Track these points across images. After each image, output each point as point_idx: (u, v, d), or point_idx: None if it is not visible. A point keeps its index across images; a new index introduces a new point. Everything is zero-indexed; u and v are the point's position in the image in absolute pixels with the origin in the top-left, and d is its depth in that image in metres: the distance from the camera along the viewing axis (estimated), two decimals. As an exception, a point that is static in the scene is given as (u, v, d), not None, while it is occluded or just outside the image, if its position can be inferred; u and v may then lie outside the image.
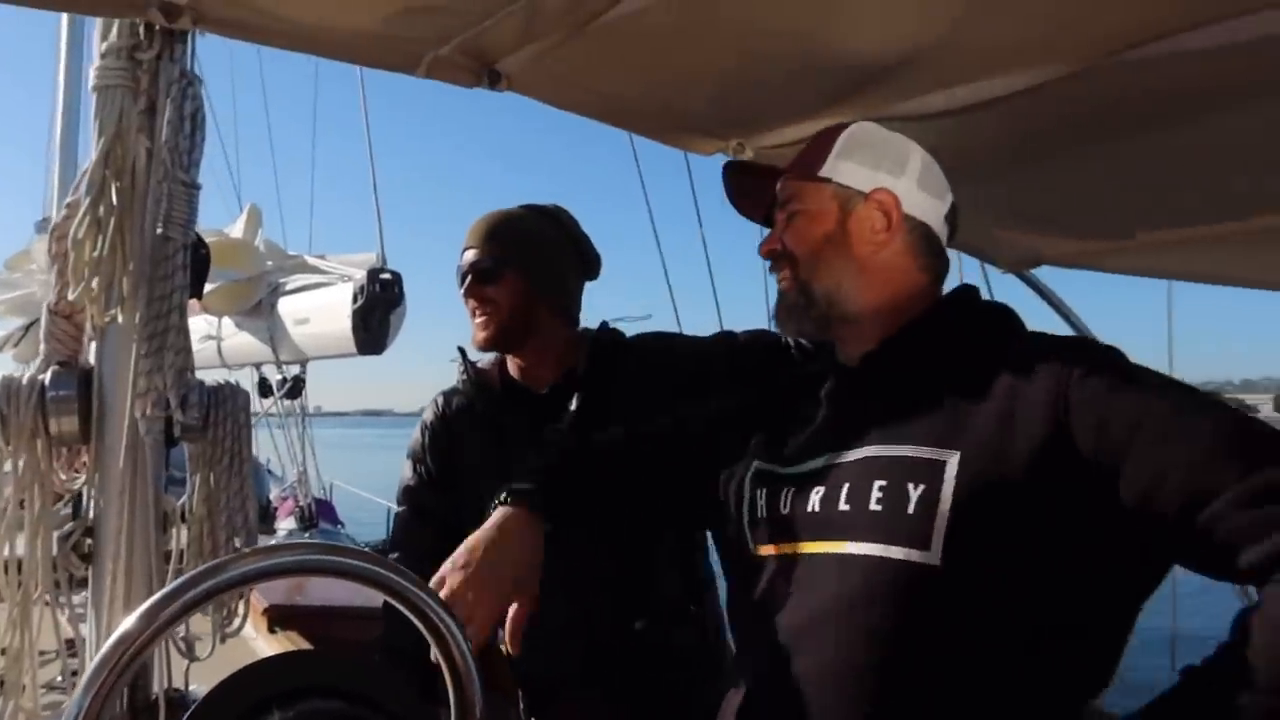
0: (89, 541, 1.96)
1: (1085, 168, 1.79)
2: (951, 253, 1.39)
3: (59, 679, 1.92)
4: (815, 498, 1.20)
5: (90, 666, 0.72)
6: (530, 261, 1.96)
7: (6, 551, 1.85)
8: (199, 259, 2.05)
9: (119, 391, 1.90)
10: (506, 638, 1.46)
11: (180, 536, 2.04)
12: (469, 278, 1.95)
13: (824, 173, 1.32)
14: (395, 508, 2.20)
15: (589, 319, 2.13)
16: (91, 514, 1.94)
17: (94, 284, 1.82)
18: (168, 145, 1.85)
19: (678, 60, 1.55)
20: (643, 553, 1.94)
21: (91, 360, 1.99)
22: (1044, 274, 2.42)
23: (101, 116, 1.85)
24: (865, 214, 1.30)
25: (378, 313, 3.92)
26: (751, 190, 1.46)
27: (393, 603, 0.83)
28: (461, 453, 2.06)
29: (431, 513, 2.09)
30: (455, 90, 1.67)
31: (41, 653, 1.89)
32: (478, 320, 1.96)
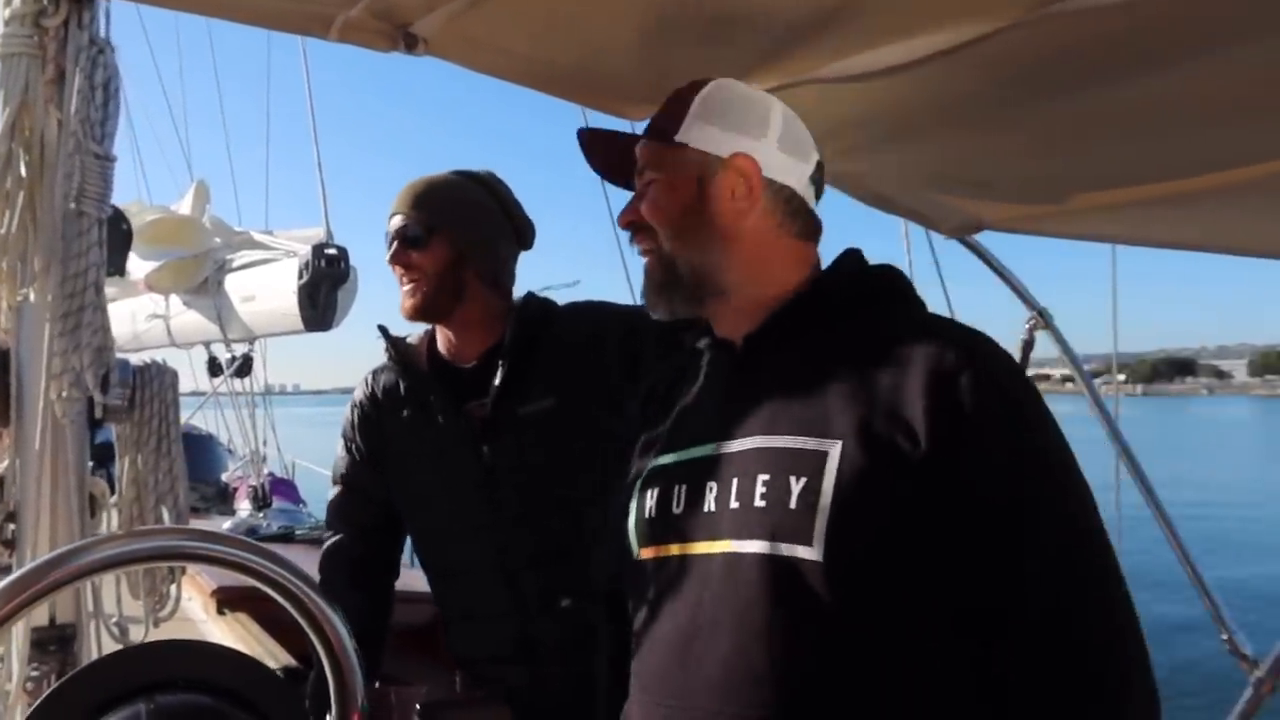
0: (11, 527, 1.91)
1: (1019, 128, 1.76)
2: (895, 219, 1.35)
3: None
4: (708, 495, 1.15)
5: None
6: (458, 226, 1.91)
7: (-74, 539, 1.80)
8: (119, 233, 1.99)
9: (35, 372, 1.84)
10: None
11: (109, 522, 1.99)
12: (395, 244, 1.90)
13: (680, 137, 1.25)
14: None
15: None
16: (14, 500, 1.90)
17: (3, 262, 1.76)
18: (78, 116, 1.78)
19: (595, 20, 1.50)
20: (572, 531, 1.91)
21: (8, 341, 1.93)
22: (993, 240, 2.39)
23: (6, 86, 1.77)
24: (725, 181, 1.23)
25: (324, 289, 3.84)
26: (609, 152, 1.38)
27: (265, 589, 0.80)
28: (390, 431, 2.02)
29: (363, 491, 2.06)
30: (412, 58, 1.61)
31: None
32: (405, 288, 1.91)
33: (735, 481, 1.11)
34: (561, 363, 1.93)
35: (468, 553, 1.97)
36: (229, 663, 0.79)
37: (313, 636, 0.80)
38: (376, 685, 2.11)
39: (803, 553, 1.03)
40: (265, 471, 5.84)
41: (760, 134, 1.24)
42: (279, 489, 5.83)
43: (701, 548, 1.13)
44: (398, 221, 1.90)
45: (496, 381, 1.89)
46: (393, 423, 2.01)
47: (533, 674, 1.90)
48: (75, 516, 1.88)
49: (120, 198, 1.96)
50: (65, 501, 1.86)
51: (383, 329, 2.06)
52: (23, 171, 1.77)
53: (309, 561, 2.14)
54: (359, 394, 2.06)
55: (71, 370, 1.78)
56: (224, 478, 6.15)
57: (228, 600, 3.25)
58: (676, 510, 1.18)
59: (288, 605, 0.79)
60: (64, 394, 1.76)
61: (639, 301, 2.30)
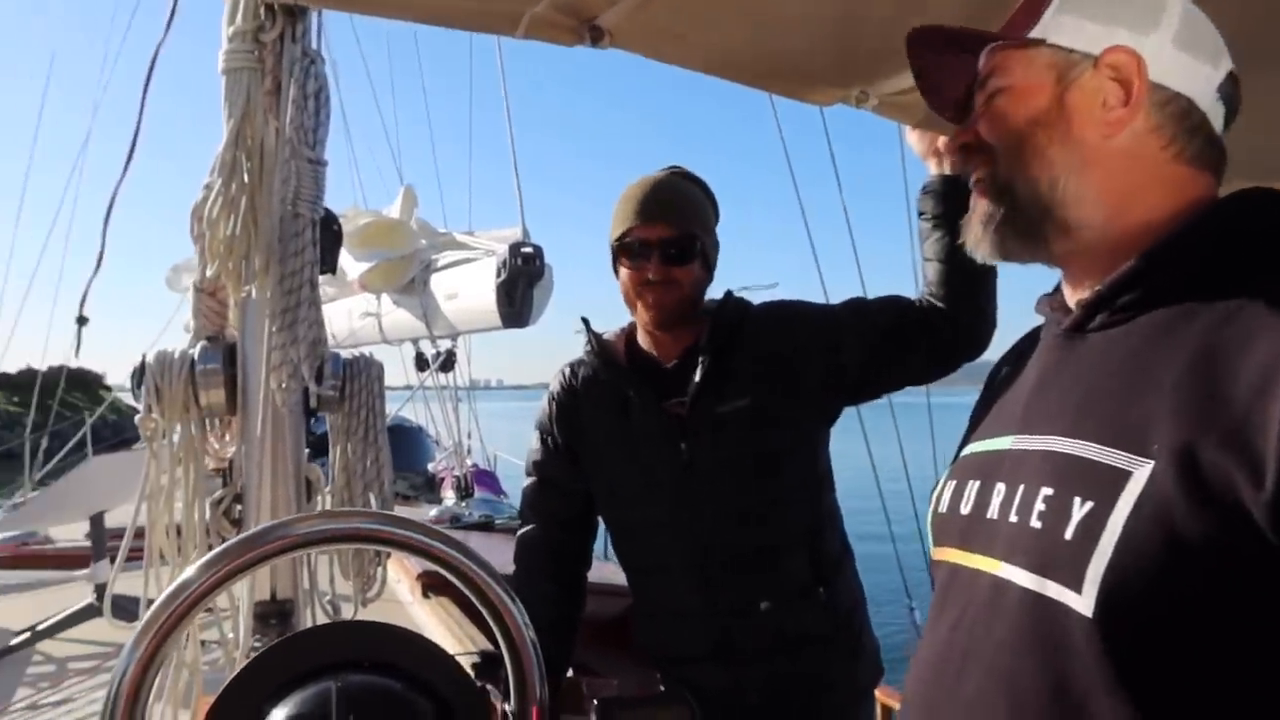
0: (239, 507, 2.07)
1: None
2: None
3: (228, 635, 2.02)
4: (994, 499, 0.93)
5: (147, 615, 0.72)
6: (706, 235, 1.94)
7: (167, 517, 1.97)
8: (330, 234, 2.10)
9: (257, 364, 1.98)
10: None
11: (323, 506, 2.12)
12: (655, 254, 1.89)
13: (1036, 33, 0.97)
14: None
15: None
16: (240, 482, 2.05)
17: (229, 261, 1.90)
18: (293, 124, 1.89)
19: (787, 3, 1.43)
20: (770, 532, 1.86)
21: (235, 335, 2.09)
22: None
23: (230, 99, 1.92)
24: (1092, 84, 0.93)
25: (520, 286, 3.95)
26: (941, 73, 1.09)
27: (448, 576, 0.79)
28: (587, 424, 2.04)
29: (557, 482, 2.08)
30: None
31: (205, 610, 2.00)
32: (653, 298, 1.91)
33: (1021, 489, 0.90)
34: (759, 362, 1.89)
35: (663, 550, 1.96)
36: (419, 649, 0.79)
37: (494, 625, 0.79)
38: (569, 674, 2.14)
39: (1071, 599, 0.79)
40: (469, 463, 6.11)
41: (1149, 26, 0.93)
42: (481, 479, 6.09)
43: (975, 560, 0.95)
44: (661, 232, 1.89)
45: (696, 379, 1.87)
46: (590, 416, 2.03)
47: (727, 675, 1.87)
48: (292, 499, 2.01)
49: (338, 204, 2.10)
50: (284, 485, 1.99)
51: (585, 322, 2.08)
52: (245, 177, 1.91)
53: (508, 550, 2.20)
54: (556, 386, 2.09)
55: (290, 362, 1.90)
56: (430, 468, 6.50)
57: (432, 584, 3.40)
58: (964, 510, 0.99)
59: (469, 592, 0.79)
60: (283, 385, 1.88)
61: (830, 299, 2.24)
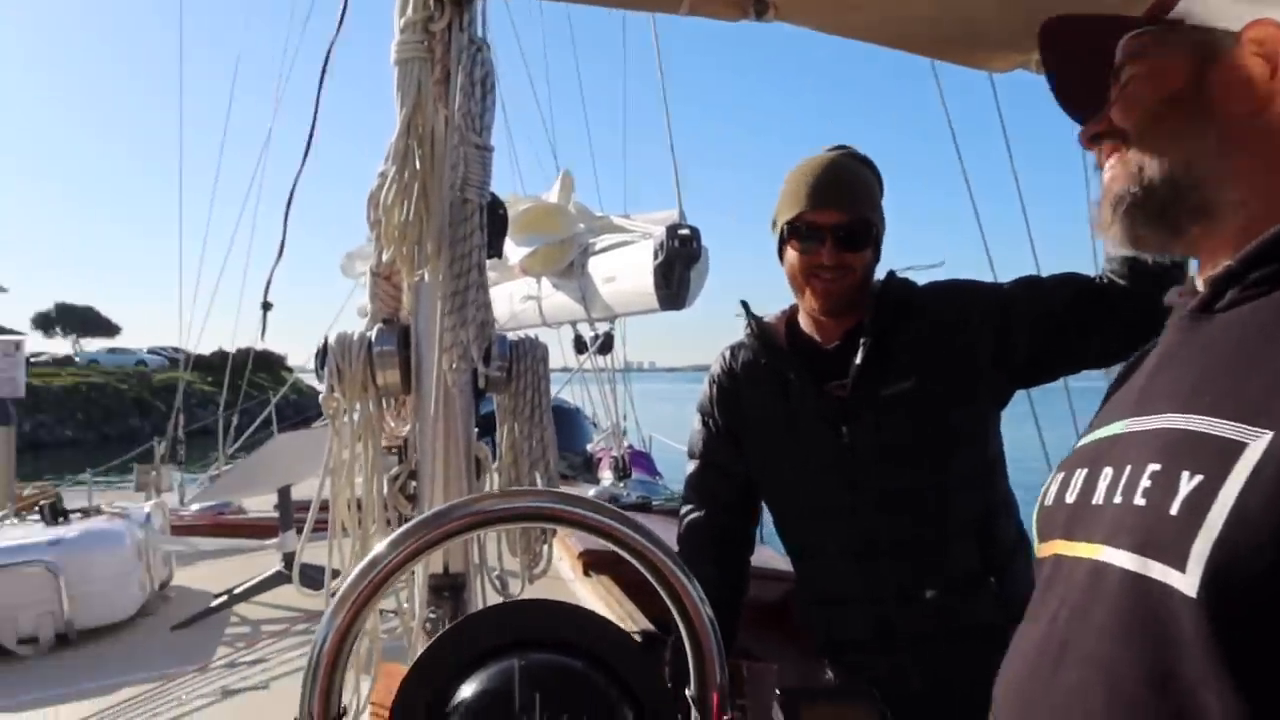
0: (414, 484, 2.15)
1: None
2: None
3: (405, 604, 2.11)
4: (1100, 484, 0.88)
5: (342, 588, 0.74)
6: (879, 219, 1.88)
7: (349, 492, 2.07)
8: (497, 218, 2.15)
9: (430, 345, 2.05)
10: None
11: (492, 484, 2.18)
12: (828, 240, 1.85)
13: (1175, 13, 0.93)
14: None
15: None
16: (415, 459, 2.13)
17: (403, 246, 1.97)
18: (461, 111, 1.94)
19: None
20: (936, 518, 1.78)
21: (408, 317, 2.16)
22: None
23: (402, 88, 1.98)
24: (1234, 61, 0.89)
25: (677, 268, 3.95)
26: (1077, 73, 1.04)
27: (626, 556, 0.78)
28: (748, 407, 2.01)
29: (720, 466, 2.06)
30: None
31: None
32: (821, 284, 1.87)
33: (1128, 470, 0.84)
34: (924, 344, 1.81)
35: (825, 535, 1.92)
36: (599, 629, 0.79)
37: (673, 609, 0.78)
38: (728, 659, 2.13)
39: (1175, 580, 0.73)
40: (625, 444, 6.18)
41: None
42: (637, 461, 6.15)
43: (1076, 548, 0.90)
44: (835, 218, 1.85)
45: (857, 361, 1.81)
46: (751, 399, 2.00)
47: (888, 662, 1.81)
48: (463, 477, 2.07)
49: (498, 190, 2.13)
50: (456, 463, 2.05)
51: (745, 305, 2.05)
52: (417, 164, 1.97)
53: (664, 532, 2.20)
54: (716, 369, 2.07)
55: (460, 344, 1.95)
56: (589, 448, 6.61)
57: (594, 563, 3.46)
58: (1069, 499, 0.94)
59: (649, 575, 0.78)
60: (453, 365, 1.94)
61: (999, 279, 2.13)
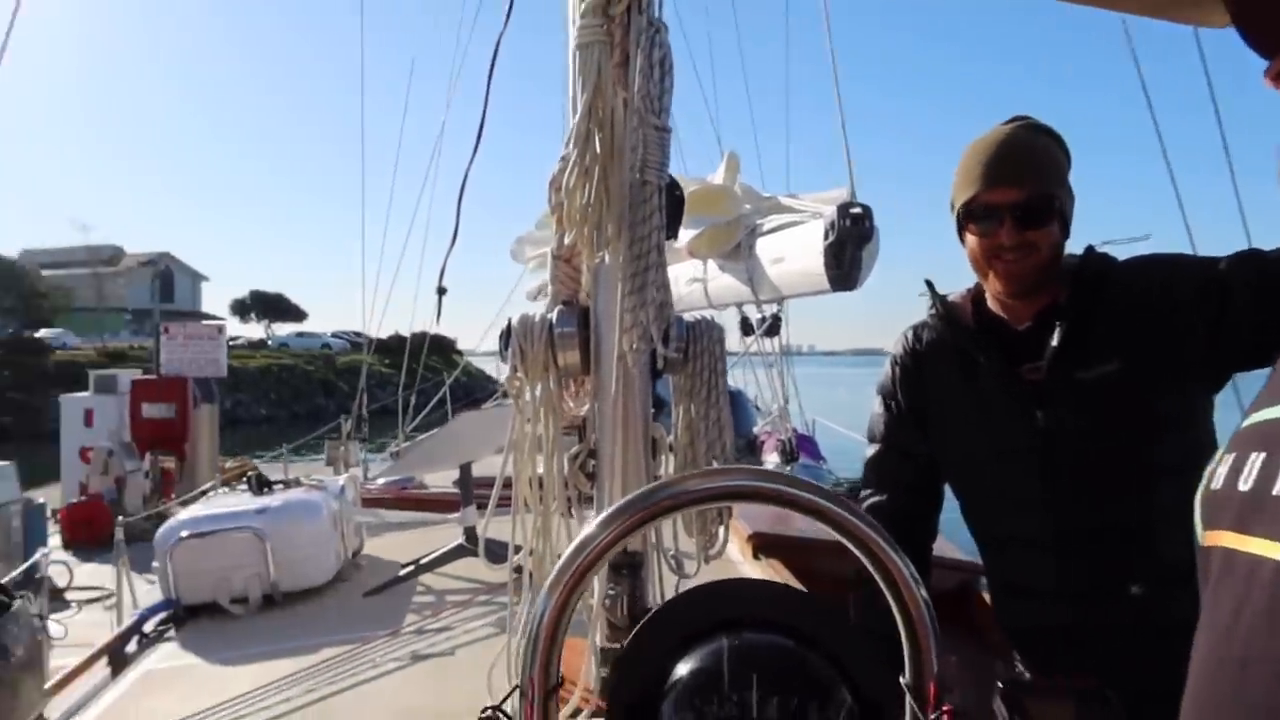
0: (593, 463, 2.19)
1: None
2: None
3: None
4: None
5: (556, 567, 0.76)
6: (1065, 195, 1.77)
7: (530, 471, 2.13)
8: (674, 200, 2.15)
9: (609, 327, 2.08)
10: None
11: (668, 464, 2.20)
12: (1006, 219, 1.77)
13: None
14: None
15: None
16: (594, 438, 2.17)
17: (585, 229, 2.01)
18: (640, 93, 1.95)
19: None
20: (1139, 509, 1.66)
21: (588, 299, 2.20)
22: None
23: (583, 73, 2.01)
24: None
25: (849, 248, 3.84)
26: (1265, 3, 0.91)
27: (837, 536, 0.76)
28: (933, 389, 1.93)
29: (903, 449, 1.99)
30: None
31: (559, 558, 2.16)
32: (1004, 266, 1.78)
33: None
34: (1127, 324, 1.69)
35: (1018, 524, 1.82)
36: (811, 609, 0.77)
37: (888, 594, 0.75)
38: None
39: None
40: (790, 427, 6.12)
41: None
42: (803, 445, 6.07)
43: (1252, 544, 0.80)
44: (1015, 195, 1.76)
45: (1054, 343, 1.70)
46: (936, 381, 1.92)
47: (1085, 660, 1.71)
48: (641, 456, 2.10)
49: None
50: (634, 442, 2.08)
51: (930, 284, 1.97)
52: (597, 148, 2.00)
53: None
54: (899, 349, 2.01)
55: (640, 325, 1.97)
56: (754, 431, 6.57)
57: (763, 545, 3.43)
58: (1242, 486, 0.85)
59: (863, 556, 0.75)
60: (633, 346, 1.96)
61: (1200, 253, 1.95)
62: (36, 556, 5.46)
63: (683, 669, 0.72)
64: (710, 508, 1.94)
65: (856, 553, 0.77)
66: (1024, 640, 1.87)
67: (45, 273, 40.34)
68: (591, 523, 0.78)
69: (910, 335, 2.01)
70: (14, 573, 4.83)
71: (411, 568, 3.39)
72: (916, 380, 1.97)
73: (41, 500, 8.46)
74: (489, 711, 0.72)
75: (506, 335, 2.17)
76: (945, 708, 0.74)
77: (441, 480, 5.56)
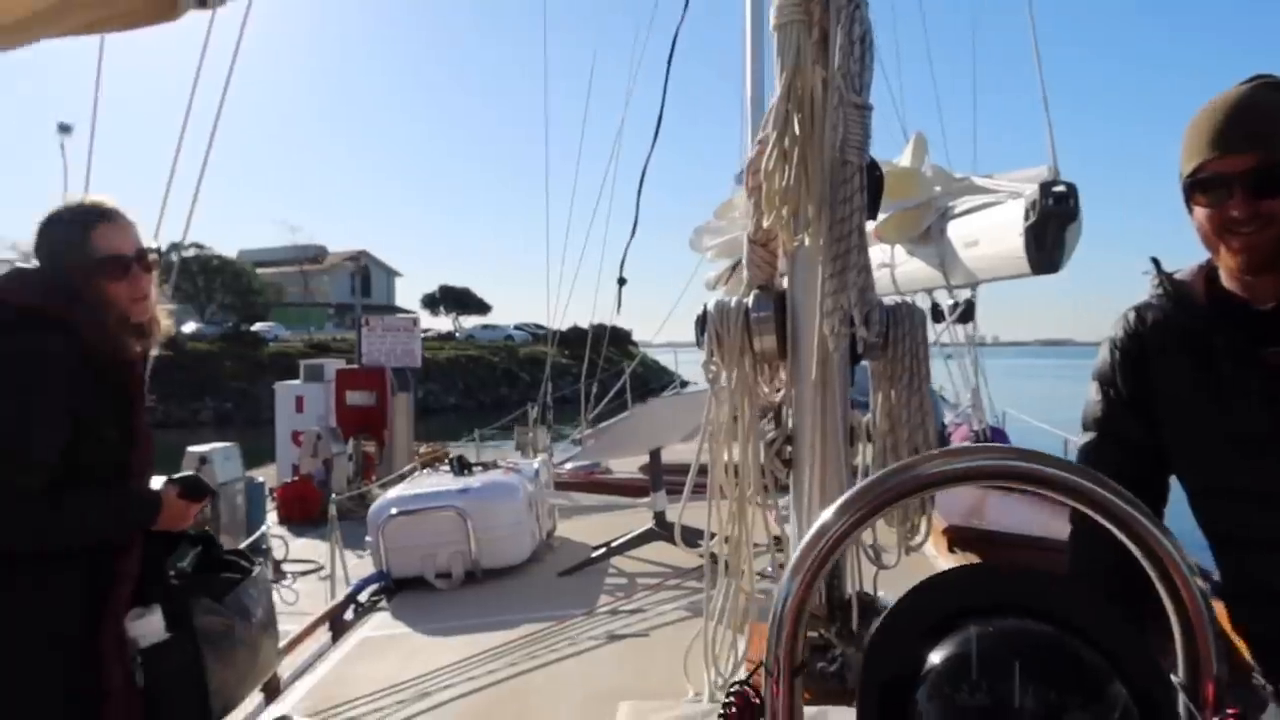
0: (789, 449, 2.17)
1: None
2: None
3: (768, 569, 2.15)
4: None
5: (795, 554, 0.75)
6: None
7: (726, 456, 2.12)
8: (874, 180, 2.09)
9: (808, 311, 2.04)
10: None
11: (865, 452, 2.15)
12: (1237, 189, 1.62)
13: None
14: (1072, 438, 2.01)
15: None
16: (791, 424, 2.14)
17: (783, 212, 1.98)
18: (840, 70, 1.91)
19: None
20: None
21: (785, 284, 2.18)
22: None
23: (782, 53, 1.98)
24: None
25: (1051, 229, 3.64)
26: None
27: (1102, 521, 0.71)
28: (1157, 375, 1.79)
29: (1123, 438, 1.86)
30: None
31: (756, 545, 2.15)
32: (1238, 241, 1.63)
33: None
34: None
35: (1254, 522, 1.67)
36: (1074, 596, 0.73)
37: (1160, 587, 0.70)
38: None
39: None
40: (983, 419, 5.86)
41: None
42: (996, 437, 5.80)
43: None
44: (1243, 164, 1.61)
45: None
46: (1162, 366, 1.78)
47: None
48: (841, 443, 2.06)
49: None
50: (833, 428, 2.04)
51: (1155, 261, 1.83)
52: (796, 129, 1.97)
53: (1035, 511, 2.04)
54: (1119, 332, 1.87)
55: (840, 309, 1.93)
56: (944, 422, 6.32)
57: (958, 539, 3.30)
58: None
59: (1128, 541, 0.70)
60: (834, 330, 1.92)
61: None
62: (262, 530, 5.96)
63: (938, 655, 0.69)
64: (953, 488, 1.88)
65: (1123, 538, 0.72)
66: (1267, 650, 1.71)
67: (259, 271, 43.90)
68: (827, 510, 0.77)
69: (1132, 317, 1.87)
70: (243, 544, 5.30)
71: (603, 550, 3.46)
72: (1140, 365, 1.83)
73: (261, 479, 9.21)
74: (738, 686, 0.72)
75: (703, 321, 2.18)
76: (1230, 710, 0.68)
77: (627, 466, 5.67)
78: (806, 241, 1.99)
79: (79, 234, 1.92)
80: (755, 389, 2.18)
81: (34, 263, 1.96)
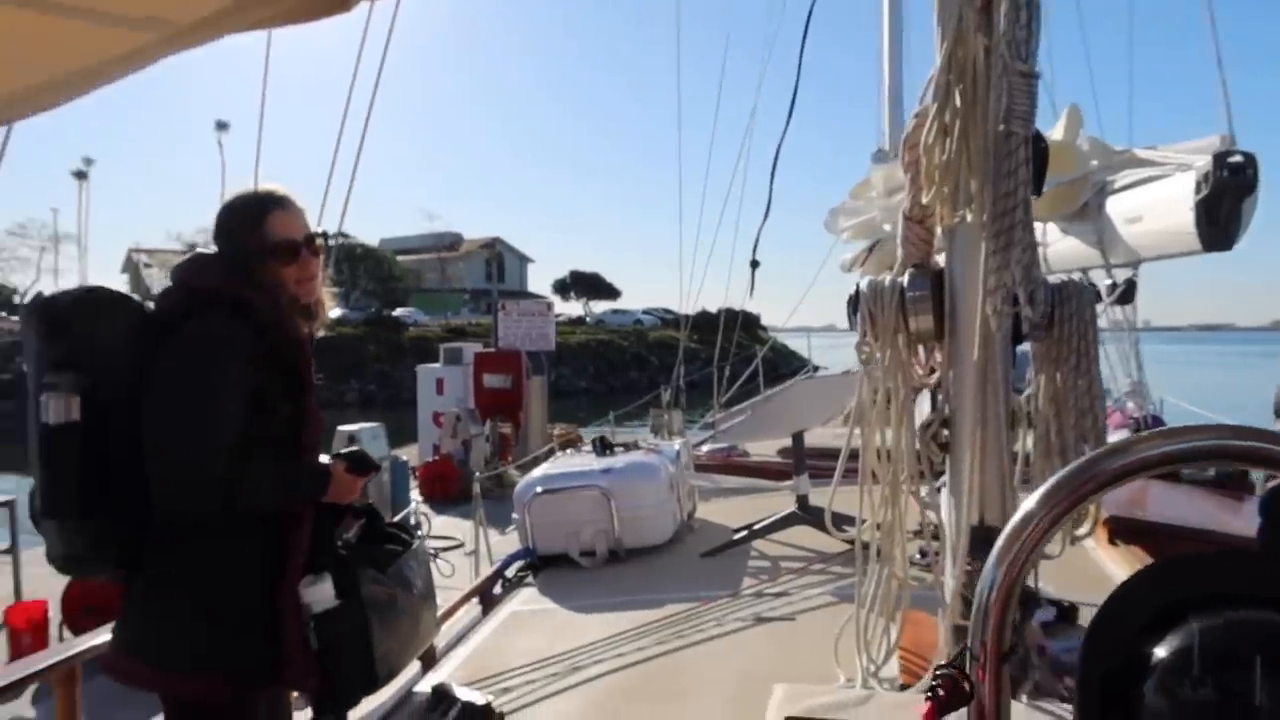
0: (945, 433, 2.10)
1: None
2: None
3: (916, 556, 2.10)
4: None
5: (1000, 542, 0.72)
6: None
7: (878, 440, 2.07)
8: (1039, 153, 2.00)
9: (969, 290, 1.97)
10: None
11: (1025, 439, 2.06)
12: None
13: None
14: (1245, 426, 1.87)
15: None
16: (948, 407, 2.08)
17: (944, 187, 1.91)
18: (1005, 38, 1.82)
19: None
20: None
21: (942, 262, 2.10)
22: None
23: (942, 22, 1.91)
24: None
25: (1226, 202, 3.40)
26: None
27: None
28: None
29: None
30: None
31: (908, 531, 2.10)
32: None
33: None
34: None
35: None
36: None
37: None
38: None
39: None
40: (1143, 406, 5.54)
41: None
42: (1153, 425, 5.48)
43: None
44: None
45: None
46: None
47: None
48: (1001, 426, 1.98)
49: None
50: (994, 411, 1.96)
51: None
52: (957, 100, 1.90)
53: (1198, 501, 1.90)
54: None
55: (1004, 287, 1.85)
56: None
57: (1119, 530, 3.14)
58: None
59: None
60: (997, 309, 1.84)
61: None
62: (411, 507, 6.20)
63: (1164, 648, 0.65)
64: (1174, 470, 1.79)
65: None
66: None
67: (399, 258, 45.64)
68: (1032, 496, 0.74)
69: None
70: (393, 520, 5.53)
71: (745, 532, 3.45)
72: None
73: (405, 458, 9.58)
74: (947, 669, 0.70)
75: (855, 300, 2.13)
76: None
77: (763, 449, 5.63)
78: (968, 217, 1.92)
79: (255, 220, 2.03)
80: (909, 370, 2.12)
81: (213, 248, 2.08)
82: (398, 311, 40.01)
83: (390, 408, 23.85)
